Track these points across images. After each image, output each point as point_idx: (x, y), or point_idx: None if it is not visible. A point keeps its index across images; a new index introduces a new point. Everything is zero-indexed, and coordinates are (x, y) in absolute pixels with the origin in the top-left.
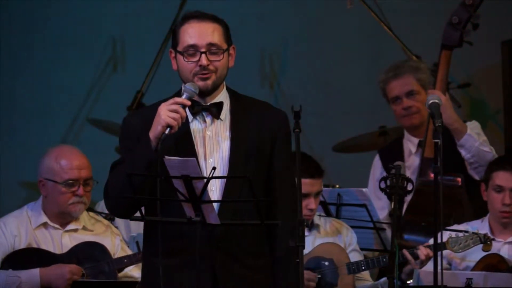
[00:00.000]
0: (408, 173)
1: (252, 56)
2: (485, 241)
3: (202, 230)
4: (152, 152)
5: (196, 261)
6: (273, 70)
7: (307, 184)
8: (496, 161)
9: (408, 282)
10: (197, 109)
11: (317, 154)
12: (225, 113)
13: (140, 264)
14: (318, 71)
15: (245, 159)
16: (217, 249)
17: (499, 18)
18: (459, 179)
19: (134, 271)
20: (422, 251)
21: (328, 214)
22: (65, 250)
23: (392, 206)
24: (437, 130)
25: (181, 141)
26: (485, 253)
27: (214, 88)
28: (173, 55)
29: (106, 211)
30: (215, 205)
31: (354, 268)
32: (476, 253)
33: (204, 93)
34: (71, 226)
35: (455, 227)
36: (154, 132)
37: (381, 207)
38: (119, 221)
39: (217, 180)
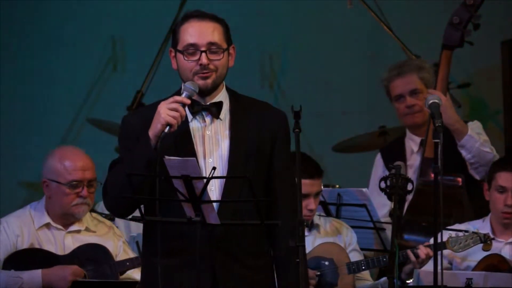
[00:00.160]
0: (409, 172)
1: (252, 56)
2: (485, 240)
3: (202, 230)
4: (152, 151)
5: (196, 261)
6: (273, 70)
7: (307, 185)
8: (499, 161)
9: (408, 281)
10: (196, 108)
11: (317, 154)
12: (225, 112)
13: None
14: (318, 71)
15: (244, 159)
16: (217, 249)
17: (499, 18)
18: (460, 179)
19: (135, 273)
20: (422, 251)
21: (328, 214)
22: (67, 251)
23: (392, 206)
24: (437, 130)
25: (181, 140)
26: (486, 253)
27: (214, 87)
28: (173, 54)
29: (106, 211)
30: (215, 204)
31: (354, 268)
32: (477, 253)
33: (204, 92)
34: (74, 227)
35: (455, 226)
36: (154, 130)
37: (382, 204)
38: (119, 221)
39: (216, 179)
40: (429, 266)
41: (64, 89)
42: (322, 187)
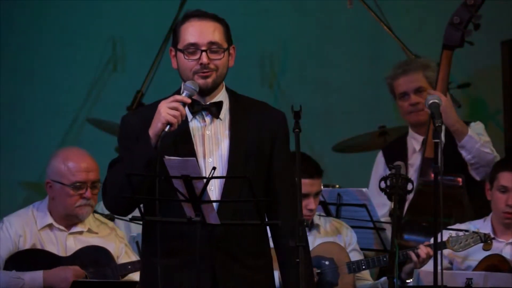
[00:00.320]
0: (411, 171)
1: (252, 56)
2: (486, 240)
3: (202, 230)
4: (152, 150)
5: (196, 261)
6: (273, 70)
7: (307, 184)
8: (502, 161)
9: (408, 281)
10: (196, 108)
11: (317, 154)
12: (225, 112)
13: None
14: (318, 71)
15: (244, 159)
16: (216, 249)
17: (499, 18)
18: (460, 179)
19: (136, 276)
20: (423, 250)
21: (328, 214)
22: (69, 252)
23: (392, 206)
24: (437, 130)
25: (181, 140)
26: (487, 253)
27: (214, 87)
28: (173, 53)
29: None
30: (214, 204)
31: (355, 267)
32: (478, 253)
33: (204, 91)
34: (76, 228)
35: (456, 226)
36: (154, 129)
37: (382, 203)
38: (119, 221)
39: (216, 179)
40: (429, 266)
41: (64, 89)
42: (322, 187)
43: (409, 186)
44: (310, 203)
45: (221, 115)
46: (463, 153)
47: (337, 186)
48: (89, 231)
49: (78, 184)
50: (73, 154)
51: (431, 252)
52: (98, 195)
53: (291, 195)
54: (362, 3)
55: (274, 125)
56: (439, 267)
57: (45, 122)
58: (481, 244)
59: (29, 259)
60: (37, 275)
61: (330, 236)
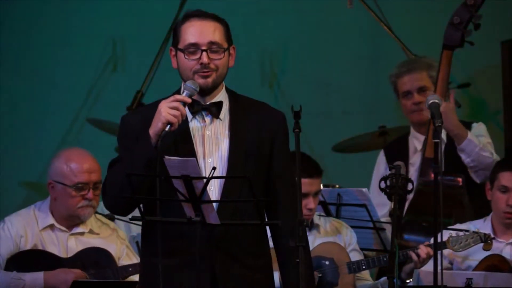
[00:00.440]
0: (412, 171)
1: (252, 56)
2: (486, 240)
3: (202, 230)
4: (152, 149)
5: (196, 261)
6: (273, 70)
7: (306, 184)
8: (503, 161)
9: (408, 281)
10: (196, 108)
11: (317, 154)
12: (225, 112)
13: None
14: (318, 71)
15: (244, 159)
16: (216, 249)
17: (499, 18)
18: (460, 179)
19: (136, 277)
20: (423, 250)
21: (328, 214)
22: (70, 253)
23: (392, 206)
24: (437, 130)
25: (180, 140)
26: (487, 253)
27: (214, 87)
28: (173, 53)
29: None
30: (214, 204)
31: (355, 267)
32: (478, 253)
33: (204, 91)
34: (77, 229)
35: (456, 226)
36: (154, 129)
37: (383, 202)
38: (119, 221)
39: (216, 179)
40: (429, 266)
41: (64, 89)
42: (322, 187)
43: (409, 186)
44: (309, 203)
45: (221, 115)
46: (463, 156)
47: (337, 186)
48: (91, 232)
49: (80, 185)
50: (76, 155)
51: (431, 252)
52: (100, 196)
53: (291, 195)
54: (362, 3)
55: (274, 125)
56: (439, 267)
57: (45, 122)
58: (481, 244)
59: (30, 260)
60: (38, 276)
61: (330, 236)
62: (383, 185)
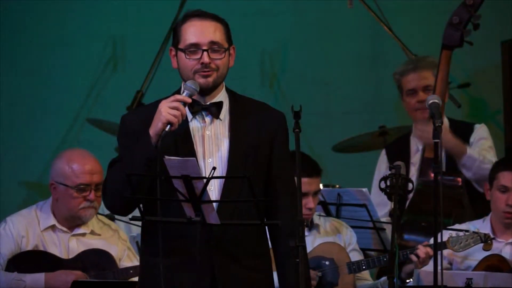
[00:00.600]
0: (413, 170)
1: (252, 56)
2: (486, 240)
3: (202, 230)
4: (152, 149)
5: (196, 261)
6: (273, 70)
7: (305, 183)
8: (502, 161)
9: (408, 281)
10: (197, 108)
11: (317, 154)
12: (225, 113)
13: None
14: (318, 71)
15: (244, 159)
16: (216, 249)
17: (499, 18)
18: (460, 179)
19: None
20: (422, 250)
21: (328, 214)
22: (71, 254)
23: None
24: (437, 130)
25: (181, 140)
26: (486, 253)
27: (215, 87)
28: (173, 53)
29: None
30: (214, 204)
31: (355, 267)
32: (478, 252)
33: (205, 91)
34: (79, 230)
35: (456, 226)
36: (155, 128)
37: (384, 202)
38: (119, 221)
39: (215, 179)
40: (429, 266)
41: (64, 89)
42: (322, 186)
43: (409, 186)
44: (309, 202)
45: (221, 116)
46: (464, 172)
47: (337, 186)
48: (92, 233)
49: (82, 186)
50: (77, 155)
51: (430, 252)
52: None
53: (291, 196)
54: (362, 3)
55: (273, 125)
56: (439, 267)
57: (45, 122)
58: (481, 244)
59: (31, 260)
60: (39, 278)
61: (330, 236)
62: (383, 185)
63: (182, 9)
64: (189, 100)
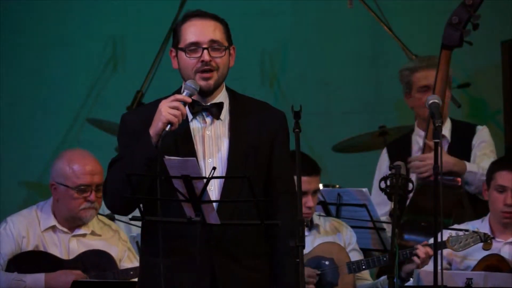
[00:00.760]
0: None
1: (252, 56)
2: (485, 239)
3: (202, 230)
4: (153, 149)
5: (196, 261)
6: (273, 69)
7: (304, 182)
8: (499, 161)
9: (408, 281)
10: (197, 108)
11: (317, 154)
12: (225, 113)
13: None
14: (318, 71)
15: (244, 159)
16: (216, 249)
17: (499, 18)
18: (459, 179)
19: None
20: (421, 250)
21: (328, 214)
22: (72, 255)
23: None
24: (437, 130)
25: (181, 140)
26: (485, 252)
27: (216, 88)
28: (173, 54)
29: (107, 211)
30: (214, 204)
31: (355, 267)
32: (477, 252)
33: (206, 92)
34: (79, 231)
35: (455, 226)
36: (155, 128)
37: (385, 202)
38: (119, 221)
39: (215, 179)
40: (429, 266)
41: (64, 89)
42: (322, 186)
43: (409, 186)
44: (308, 201)
45: (222, 116)
46: (465, 187)
47: (337, 186)
48: (92, 233)
49: (82, 187)
50: (78, 156)
51: (430, 251)
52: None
53: (291, 196)
54: (362, 3)
55: (274, 125)
56: (439, 267)
57: (45, 122)
58: (480, 244)
59: (32, 261)
60: (39, 278)
61: (329, 236)
62: (383, 185)
63: (182, 9)
64: (189, 100)
